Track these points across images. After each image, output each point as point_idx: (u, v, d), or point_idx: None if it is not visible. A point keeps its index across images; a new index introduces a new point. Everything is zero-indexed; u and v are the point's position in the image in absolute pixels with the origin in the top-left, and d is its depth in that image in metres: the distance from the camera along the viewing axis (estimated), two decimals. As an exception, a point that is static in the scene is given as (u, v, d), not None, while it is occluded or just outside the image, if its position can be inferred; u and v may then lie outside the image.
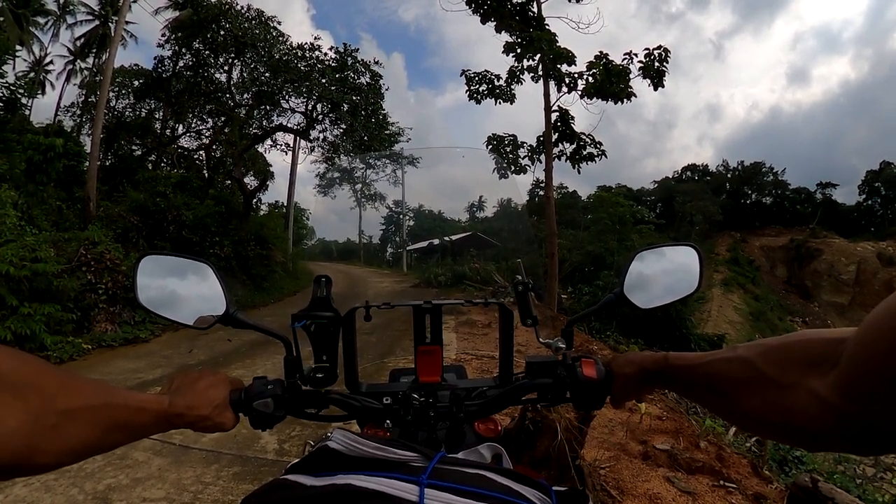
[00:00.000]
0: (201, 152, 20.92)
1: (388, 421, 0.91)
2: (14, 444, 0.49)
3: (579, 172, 13.45)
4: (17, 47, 17.39)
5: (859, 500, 3.65)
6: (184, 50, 18.31)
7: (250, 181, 21.43)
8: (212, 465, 3.81)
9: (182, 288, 0.95)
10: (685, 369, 0.71)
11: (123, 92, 20.07)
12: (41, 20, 23.81)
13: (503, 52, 12.86)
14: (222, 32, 17.18)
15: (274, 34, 17.74)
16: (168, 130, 21.05)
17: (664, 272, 0.97)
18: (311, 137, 19.08)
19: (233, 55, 17.79)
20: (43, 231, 9.57)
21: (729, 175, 64.42)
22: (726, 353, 0.64)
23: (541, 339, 0.94)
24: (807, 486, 3.48)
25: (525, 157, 13.61)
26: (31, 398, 0.51)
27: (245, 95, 18.57)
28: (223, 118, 19.16)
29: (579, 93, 12.78)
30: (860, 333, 0.45)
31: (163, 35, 18.48)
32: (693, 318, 22.83)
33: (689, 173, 66.69)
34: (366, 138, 17.56)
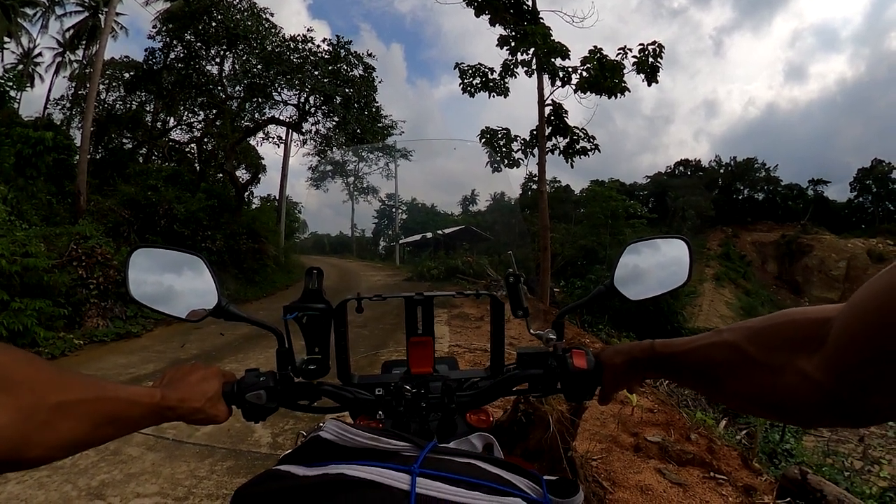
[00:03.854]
0: (193, 145, 20.79)
1: (380, 412, 0.92)
2: (4, 440, 0.49)
3: (572, 166, 13.53)
4: (6, 39, 17.17)
5: (847, 493, 3.71)
6: (175, 42, 18.12)
7: (242, 174, 21.34)
8: (206, 459, 3.81)
9: (174, 281, 0.95)
10: (672, 356, 0.72)
11: (114, 84, 19.88)
12: (29, 11, 23.39)
13: (497, 45, 12.85)
14: (214, 24, 17.02)
15: (266, 26, 17.61)
16: (159, 123, 20.88)
17: (654, 265, 0.98)
18: (304, 130, 19.01)
19: (224, 47, 17.64)
20: (33, 226, 9.47)
21: (721, 170, 64.67)
22: (711, 337, 0.64)
23: (532, 331, 0.95)
24: (796, 478, 3.53)
25: (518, 150, 13.63)
26: (21, 393, 0.50)
27: (237, 88, 18.45)
28: (215, 111, 19.01)
29: (573, 87, 12.80)
30: (846, 313, 0.45)
31: (154, 27, 18.31)
32: (684, 312, 23.04)
33: (681, 168, 66.89)
34: (358, 131, 17.50)
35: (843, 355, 0.45)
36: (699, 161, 67.55)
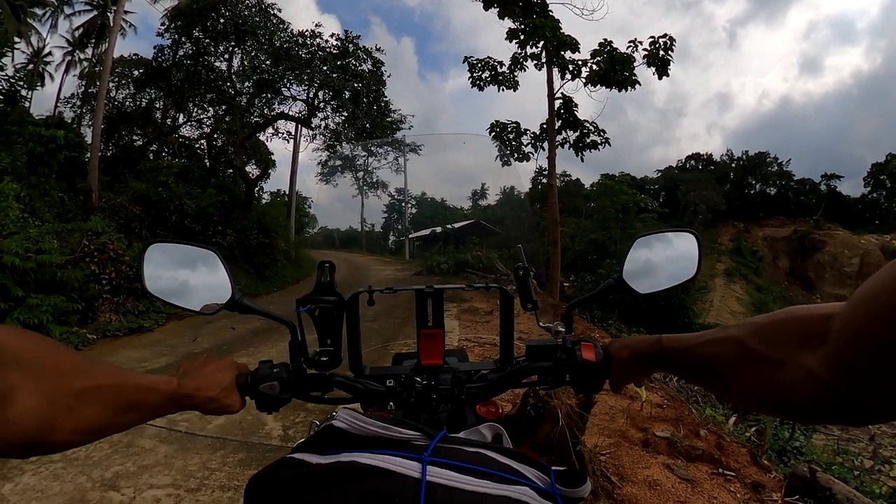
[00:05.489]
0: (202, 142, 20.90)
1: (391, 403, 0.93)
2: (31, 423, 0.51)
3: (582, 160, 13.51)
4: (16, 39, 17.28)
5: (856, 491, 3.68)
6: (183, 39, 18.18)
7: (252, 170, 21.46)
8: (217, 451, 3.86)
9: (188, 275, 0.96)
10: (679, 351, 0.72)
11: (123, 82, 19.98)
12: (39, 11, 23.56)
13: (506, 38, 12.78)
14: (222, 21, 17.07)
15: (274, 21, 17.64)
16: (169, 120, 20.98)
17: (664, 258, 0.98)
18: (313, 125, 19.08)
19: (233, 43, 17.69)
20: (46, 223, 9.59)
21: (733, 165, 63.97)
22: (718, 333, 0.64)
23: (541, 324, 0.95)
24: (805, 476, 3.51)
25: (528, 144, 13.59)
26: (47, 378, 0.53)
27: (246, 84, 18.47)
28: (224, 107, 19.09)
29: (583, 80, 12.73)
30: (848, 309, 0.45)
31: (162, 24, 18.38)
32: (695, 307, 22.89)
33: (692, 162, 66.26)
34: (368, 126, 17.51)
35: (845, 350, 0.45)
36: (711, 155, 66.93)
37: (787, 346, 0.52)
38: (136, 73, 19.68)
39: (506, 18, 12.82)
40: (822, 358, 0.47)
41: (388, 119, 18.52)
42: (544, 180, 15.75)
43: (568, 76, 12.82)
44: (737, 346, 0.59)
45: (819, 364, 0.48)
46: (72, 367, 0.56)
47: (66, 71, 25.79)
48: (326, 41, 17.68)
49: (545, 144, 13.26)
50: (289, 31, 17.79)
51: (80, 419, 0.56)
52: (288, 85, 18.23)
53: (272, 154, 24.17)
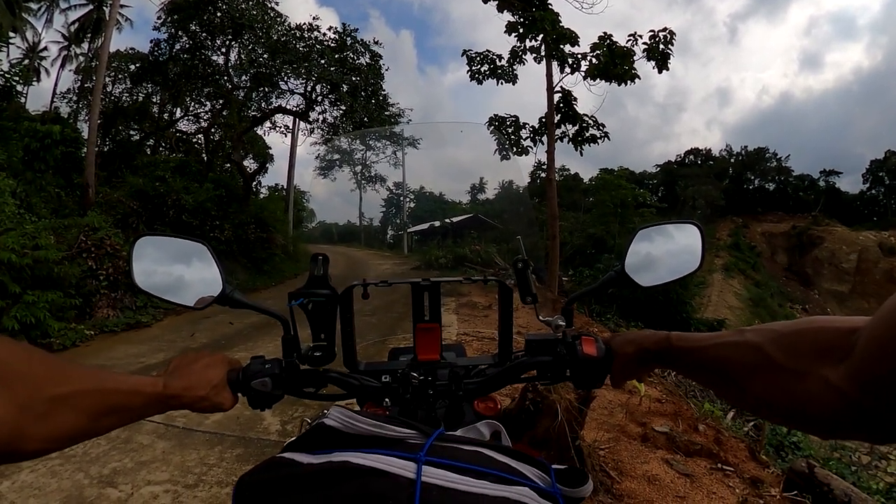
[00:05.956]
0: (200, 136, 20.84)
1: (386, 399, 0.91)
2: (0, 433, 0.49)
3: (581, 154, 13.46)
4: (11, 34, 17.19)
5: (854, 487, 3.69)
6: (180, 32, 18.07)
7: (250, 164, 21.45)
8: (215, 447, 3.85)
9: (178, 269, 0.94)
10: (689, 351, 0.69)
11: (120, 77, 19.88)
12: (34, 6, 23.36)
13: (505, 31, 12.72)
14: (219, 14, 16.95)
15: (272, 15, 17.55)
16: (166, 115, 20.89)
17: (666, 251, 0.96)
18: (311, 119, 18.99)
19: (230, 37, 17.57)
20: (42, 218, 9.55)
21: (732, 160, 63.90)
22: (733, 336, 0.62)
23: (541, 317, 0.93)
24: (803, 471, 3.51)
25: (527, 138, 13.54)
26: (16, 386, 0.51)
27: (243, 77, 18.38)
28: (221, 101, 19.00)
29: (583, 74, 12.68)
30: (874, 325, 0.44)
31: (158, 18, 18.26)
32: (693, 302, 22.87)
33: (692, 157, 66.13)
34: (366, 119, 17.45)
35: (870, 365, 0.43)
36: (709, 150, 66.77)
37: (809, 358, 0.51)
38: (132, 67, 19.57)
39: (505, 11, 12.76)
40: (845, 372, 0.46)
41: (387, 113, 18.46)
42: (543, 174, 15.75)
43: (567, 70, 12.78)
44: (754, 353, 0.57)
45: (842, 378, 0.46)
46: (45, 374, 0.54)
47: (62, 66, 25.62)
48: (324, 34, 17.61)
49: (544, 138, 13.22)
50: (286, 24, 17.71)
51: (53, 426, 0.54)
52: (285, 79, 18.15)
53: (270, 148, 24.16)
